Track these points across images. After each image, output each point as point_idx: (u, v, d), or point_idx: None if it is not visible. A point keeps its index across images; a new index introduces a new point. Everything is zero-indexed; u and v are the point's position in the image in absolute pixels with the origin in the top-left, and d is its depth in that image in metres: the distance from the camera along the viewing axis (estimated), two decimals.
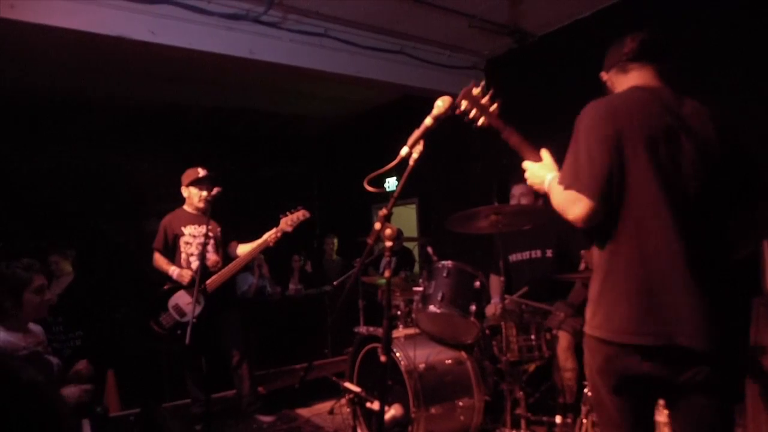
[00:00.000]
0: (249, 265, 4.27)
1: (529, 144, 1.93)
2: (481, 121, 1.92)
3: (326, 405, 4.28)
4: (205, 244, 3.66)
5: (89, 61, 5.31)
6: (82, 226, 6.68)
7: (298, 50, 4.72)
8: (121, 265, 6.67)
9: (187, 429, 3.93)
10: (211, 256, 4.05)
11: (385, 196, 1.61)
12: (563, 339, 3.37)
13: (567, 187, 1.67)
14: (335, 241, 7.33)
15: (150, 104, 6.96)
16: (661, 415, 3.13)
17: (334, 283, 5.50)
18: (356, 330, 3.79)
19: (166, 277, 4.04)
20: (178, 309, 3.95)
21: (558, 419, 3.17)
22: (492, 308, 3.69)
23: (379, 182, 1.54)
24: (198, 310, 3.73)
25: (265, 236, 3.96)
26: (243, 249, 4.12)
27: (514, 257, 3.87)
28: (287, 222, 3.94)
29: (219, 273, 3.96)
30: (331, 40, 4.87)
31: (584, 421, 2.95)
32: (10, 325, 2.46)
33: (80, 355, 4.55)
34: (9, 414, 0.55)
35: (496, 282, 3.82)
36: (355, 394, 2.96)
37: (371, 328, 3.61)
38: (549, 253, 3.72)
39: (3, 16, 3.49)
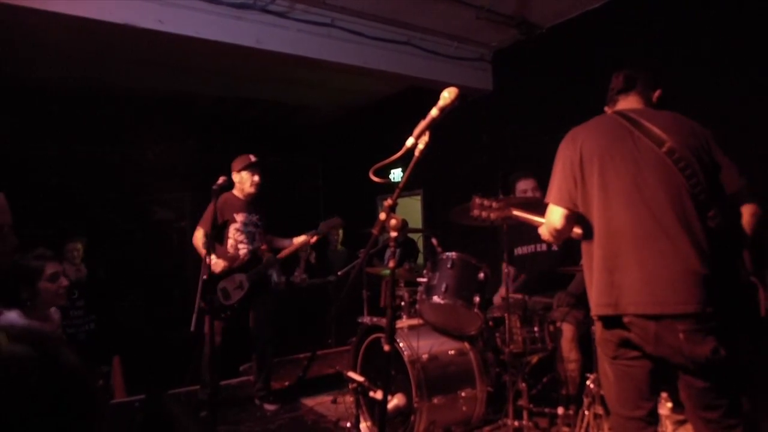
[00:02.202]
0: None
1: (530, 210, 2.34)
2: (493, 216, 2.36)
3: (330, 394, 4.30)
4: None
5: (97, 51, 5.33)
6: (90, 215, 6.72)
7: (305, 40, 4.72)
8: (127, 253, 6.72)
9: (191, 415, 3.96)
10: (261, 245, 4.23)
11: (390, 187, 1.60)
12: (567, 331, 3.38)
13: (547, 201, 2.13)
14: (340, 231, 7.34)
15: (157, 93, 6.97)
16: (664, 408, 3.15)
17: (338, 273, 5.53)
18: (360, 320, 3.81)
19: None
20: (225, 292, 4.04)
21: (560, 411, 3.18)
22: (498, 298, 3.71)
23: (384, 173, 1.54)
24: (239, 295, 3.98)
25: (307, 236, 4.25)
26: (285, 243, 4.33)
27: (519, 250, 3.87)
28: (326, 227, 4.33)
29: (265, 263, 4.18)
30: (338, 30, 4.86)
31: (586, 413, 2.96)
32: (30, 314, 2.48)
33: (94, 339, 4.64)
34: (48, 396, 0.55)
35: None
36: (359, 383, 2.97)
37: (375, 319, 3.62)
38: (554, 246, 3.72)
39: (12, 3, 3.50)
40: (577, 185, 2.06)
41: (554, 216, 2.10)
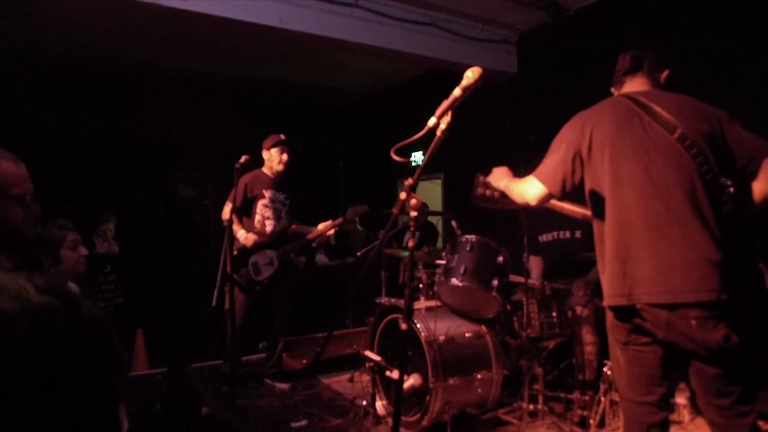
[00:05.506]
0: None
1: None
2: (497, 195, 2.33)
3: (346, 373, 4.36)
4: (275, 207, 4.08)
5: (122, 29, 5.37)
6: (114, 192, 6.85)
7: (328, 20, 4.70)
8: (151, 230, 6.84)
9: (212, 389, 4.06)
10: (292, 225, 4.36)
11: (411, 170, 1.59)
12: (585, 314, 3.36)
13: (534, 176, 2.11)
14: None
15: (181, 73, 7.02)
16: (681, 398, 3.13)
17: (357, 254, 5.56)
18: (378, 300, 3.84)
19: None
20: (256, 267, 4.14)
21: (576, 396, 3.19)
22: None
23: (405, 154, 1.55)
24: (270, 272, 4.09)
25: (336, 221, 4.37)
26: (309, 228, 4.43)
27: (542, 237, 3.85)
28: (353, 213, 4.42)
29: (297, 243, 4.31)
30: (361, 10, 4.83)
31: (602, 399, 2.97)
32: None
33: (122, 313, 4.76)
34: (74, 344, 0.58)
35: (535, 261, 3.86)
36: (375, 362, 3.02)
37: (393, 299, 3.65)
38: (578, 234, 3.68)
39: None
40: (576, 173, 2.04)
41: (532, 191, 2.10)
